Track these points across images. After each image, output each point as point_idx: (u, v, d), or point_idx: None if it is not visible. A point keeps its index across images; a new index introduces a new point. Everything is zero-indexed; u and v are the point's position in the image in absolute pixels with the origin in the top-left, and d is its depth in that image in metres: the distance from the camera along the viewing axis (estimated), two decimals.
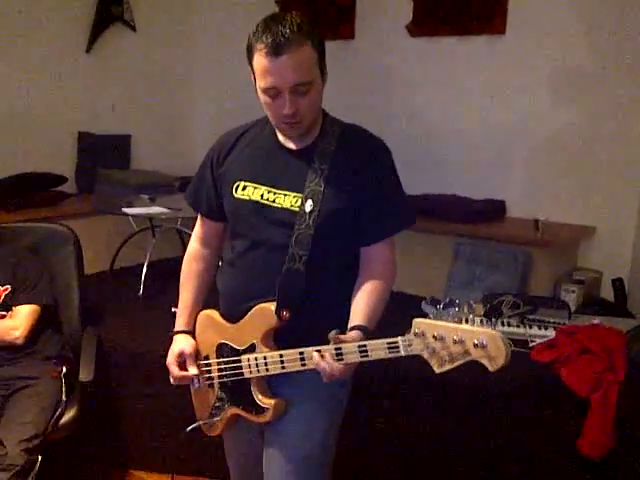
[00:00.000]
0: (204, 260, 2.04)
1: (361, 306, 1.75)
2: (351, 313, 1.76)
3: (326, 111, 1.86)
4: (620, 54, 3.59)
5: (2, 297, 2.70)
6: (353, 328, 1.70)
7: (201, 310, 2.01)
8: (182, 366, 1.95)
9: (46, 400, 2.51)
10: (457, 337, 1.47)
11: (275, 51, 1.62)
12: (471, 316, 2.99)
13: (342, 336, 1.65)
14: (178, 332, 2.00)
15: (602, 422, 2.50)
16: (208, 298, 2.05)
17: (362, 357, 1.62)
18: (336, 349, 1.64)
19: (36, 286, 2.73)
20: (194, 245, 2.05)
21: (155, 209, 3.72)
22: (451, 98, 4.12)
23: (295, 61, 1.63)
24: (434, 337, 1.50)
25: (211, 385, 1.95)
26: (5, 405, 2.48)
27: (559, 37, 3.75)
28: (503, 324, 3.01)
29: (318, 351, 1.67)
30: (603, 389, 2.54)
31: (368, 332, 1.69)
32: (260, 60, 1.65)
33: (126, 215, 3.71)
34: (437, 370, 1.52)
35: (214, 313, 1.95)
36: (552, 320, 3.07)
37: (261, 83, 1.68)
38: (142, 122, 4.72)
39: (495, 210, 3.92)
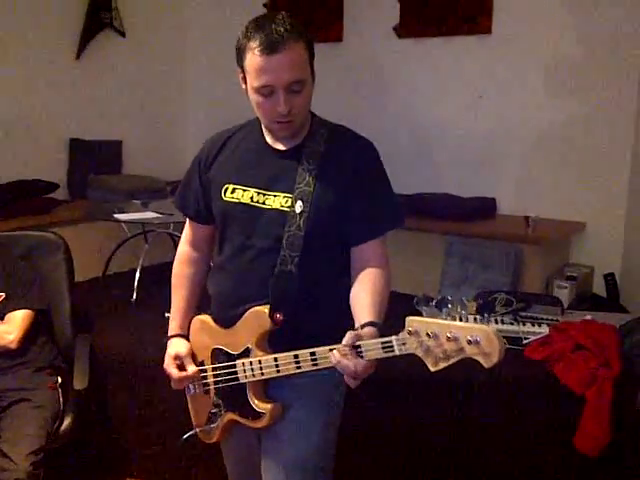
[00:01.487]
0: (194, 263, 2.03)
1: (365, 303, 1.71)
2: (356, 312, 1.71)
3: (314, 112, 1.86)
4: (609, 49, 3.61)
5: None
6: (364, 325, 1.63)
7: (194, 314, 2.00)
8: (180, 368, 1.94)
9: (47, 412, 2.50)
10: (451, 334, 1.44)
11: (271, 49, 1.62)
12: (464, 312, 2.99)
13: (360, 332, 1.60)
14: (172, 336, 1.99)
15: (598, 418, 2.51)
16: (201, 302, 2.04)
17: (358, 357, 1.58)
18: (330, 350, 1.61)
19: (29, 292, 2.73)
20: (184, 248, 2.04)
21: (147, 214, 3.72)
22: (440, 98, 4.14)
23: (290, 58, 1.64)
24: (428, 335, 1.47)
25: (207, 391, 1.94)
26: (1, 417, 2.47)
27: (545, 36, 3.79)
28: (497, 322, 3.01)
29: (312, 354, 1.66)
30: (598, 385, 2.54)
31: (380, 327, 1.64)
32: (254, 59, 1.65)
33: (118, 221, 3.71)
34: (432, 368, 1.50)
35: (207, 318, 1.93)
36: (545, 317, 3.08)
37: (254, 82, 1.67)
38: (133, 128, 4.72)
39: (486, 208, 3.94)
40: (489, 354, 1.42)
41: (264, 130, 1.84)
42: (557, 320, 3.05)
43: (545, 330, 2.94)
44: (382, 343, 1.55)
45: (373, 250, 1.80)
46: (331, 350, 1.60)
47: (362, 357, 1.56)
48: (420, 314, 2.93)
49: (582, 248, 3.80)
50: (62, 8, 4.25)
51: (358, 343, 1.57)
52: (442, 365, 1.49)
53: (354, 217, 1.78)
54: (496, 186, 4.01)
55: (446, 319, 1.54)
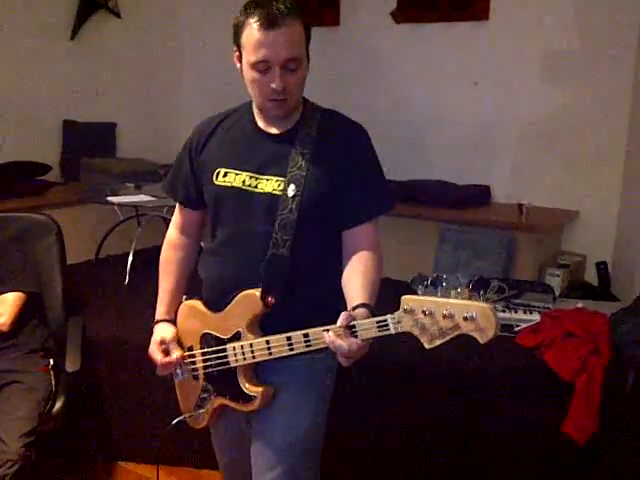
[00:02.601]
0: (183, 248, 2.02)
1: (357, 285, 1.71)
2: (348, 293, 1.72)
3: (306, 98, 1.86)
4: (605, 38, 3.61)
5: None
6: (356, 307, 1.63)
7: (182, 298, 2.00)
8: (165, 353, 1.94)
9: (40, 394, 2.51)
10: (446, 311, 1.45)
11: (270, 24, 1.64)
12: (459, 290, 3.00)
13: (354, 313, 1.60)
14: (158, 321, 1.99)
15: (587, 405, 2.53)
16: (190, 287, 2.04)
17: (352, 337, 1.57)
18: (324, 330, 1.61)
19: (20, 274, 2.73)
20: (173, 233, 2.04)
21: (141, 197, 3.71)
22: (436, 84, 4.13)
23: (289, 35, 1.66)
24: (423, 313, 1.48)
25: (196, 376, 1.94)
26: None
27: (542, 23, 3.78)
28: None
29: (305, 335, 1.67)
30: (587, 373, 2.56)
31: (372, 309, 1.63)
32: (252, 34, 1.66)
33: (112, 204, 3.70)
34: (427, 346, 1.50)
35: (197, 303, 1.93)
36: (537, 304, 3.10)
37: (251, 57, 1.68)
38: (127, 110, 4.70)
39: (480, 195, 3.94)
40: (485, 329, 1.43)
41: (256, 114, 1.84)
42: (549, 308, 3.07)
43: (537, 317, 2.95)
44: (377, 322, 1.55)
45: (364, 234, 1.80)
46: (325, 331, 1.60)
47: (356, 337, 1.56)
48: (415, 294, 2.94)
49: (575, 236, 3.81)
50: None
51: (352, 323, 1.57)
52: (437, 342, 1.49)
53: (346, 201, 1.78)
54: (490, 173, 4.01)
55: (441, 296, 1.53)
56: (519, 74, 3.88)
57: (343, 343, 1.56)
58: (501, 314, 3.00)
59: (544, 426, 2.63)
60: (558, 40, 3.74)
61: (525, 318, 2.98)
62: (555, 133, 3.82)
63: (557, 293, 3.31)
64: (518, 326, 2.92)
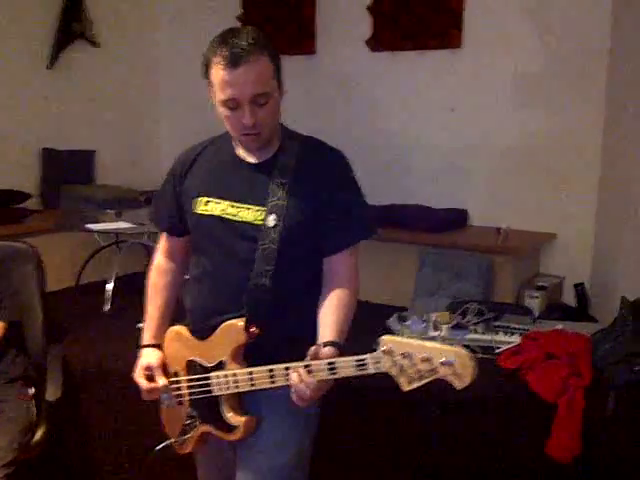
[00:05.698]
0: (169, 274, 2.03)
1: (330, 321, 1.73)
2: (320, 328, 1.74)
3: (284, 124, 1.87)
4: (576, 64, 3.67)
5: None
6: (326, 344, 1.67)
7: (169, 324, 1.99)
8: (150, 379, 1.93)
9: (20, 424, 2.47)
10: (424, 355, 1.47)
11: (233, 63, 1.64)
12: (438, 334, 3.01)
13: (321, 351, 1.64)
14: (145, 346, 1.98)
15: (569, 426, 2.52)
16: (176, 313, 2.04)
17: (331, 374, 1.61)
18: (305, 366, 1.63)
19: (0, 303, 2.70)
20: (159, 258, 2.04)
21: (121, 224, 3.71)
22: (412, 110, 4.18)
23: (253, 72, 1.66)
24: (402, 355, 1.49)
25: (181, 402, 1.93)
26: None
27: (513, 49, 3.85)
28: (470, 331, 3.04)
29: (287, 368, 1.67)
30: (569, 394, 2.56)
31: (340, 347, 1.67)
32: (218, 72, 1.67)
33: (91, 231, 3.69)
34: (405, 388, 1.51)
35: (183, 329, 1.93)
36: (516, 326, 3.11)
37: (220, 95, 1.69)
38: (106, 137, 4.70)
39: (458, 219, 3.98)
40: (462, 375, 1.45)
41: (235, 143, 1.85)
42: (528, 329, 3.08)
43: (517, 339, 2.97)
44: (356, 361, 1.57)
45: (344, 261, 1.81)
46: (306, 367, 1.63)
47: (335, 375, 1.60)
48: (392, 332, 2.94)
49: (552, 258, 3.85)
50: (33, 18, 4.24)
51: (332, 360, 1.60)
52: (415, 385, 1.51)
53: (327, 228, 1.79)
54: (468, 198, 4.05)
55: (420, 338, 1.55)
56: (493, 100, 3.93)
57: (302, 386, 1.62)
58: (482, 336, 3.01)
59: (527, 448, 2.63)
60: (530, 66, 3.80)
61: (505, 340, 2.98)
62: (530, 157, 3.87)
63: (536, 314, 3.33)
64: (499, 348, 2.93)
